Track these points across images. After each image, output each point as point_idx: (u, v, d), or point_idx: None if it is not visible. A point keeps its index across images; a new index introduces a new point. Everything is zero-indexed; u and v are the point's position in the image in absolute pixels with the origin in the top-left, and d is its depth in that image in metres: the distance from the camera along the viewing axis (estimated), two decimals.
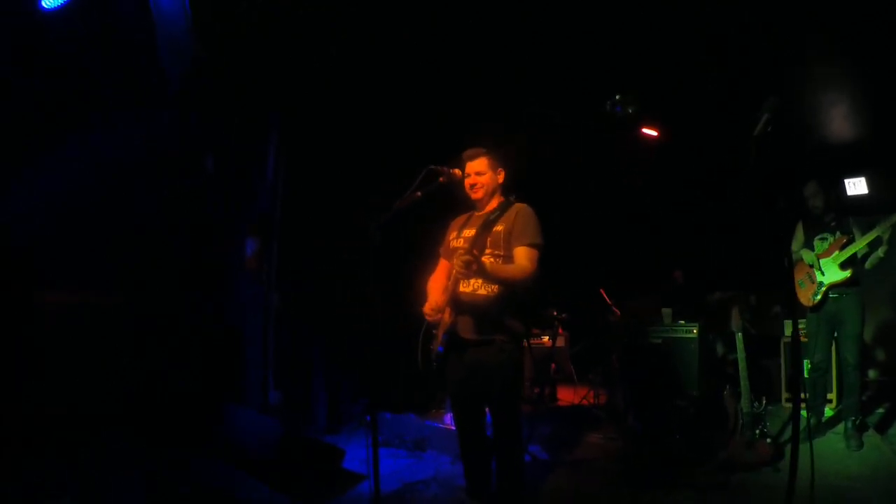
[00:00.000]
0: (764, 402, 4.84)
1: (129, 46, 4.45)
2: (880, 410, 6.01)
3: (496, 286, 3.45)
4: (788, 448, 4.85)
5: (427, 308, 3.57)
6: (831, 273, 5.15)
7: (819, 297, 5.21)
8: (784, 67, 5.98)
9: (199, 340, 5.29)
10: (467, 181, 3.66)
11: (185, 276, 5.20)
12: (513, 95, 6.46)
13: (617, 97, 6.90)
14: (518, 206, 3.65)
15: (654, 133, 7.62)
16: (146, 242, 4.89)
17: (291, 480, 4.39)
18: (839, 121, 7.33)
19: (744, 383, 4.79)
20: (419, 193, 3.27)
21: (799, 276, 5.43)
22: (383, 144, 6.42)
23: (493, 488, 3.73)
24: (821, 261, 5.22)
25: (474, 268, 3.13)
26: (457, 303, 3.50)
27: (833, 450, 5.01)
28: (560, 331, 7.28)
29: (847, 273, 5.08)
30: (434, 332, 3.58)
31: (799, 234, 5.46)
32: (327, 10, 5.11)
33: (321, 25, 5.21)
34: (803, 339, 5.77)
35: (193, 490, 4.17)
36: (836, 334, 5.29)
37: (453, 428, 4.59)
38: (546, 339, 7.41)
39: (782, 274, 5.47)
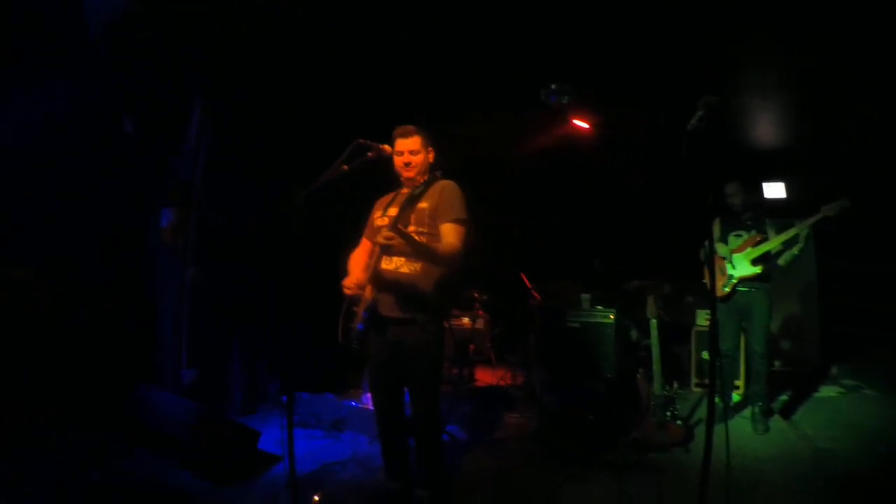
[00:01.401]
0: (675, 385, 5.02)
1: None
2: (784, 398, 6.34)
3: (419, 264, 3.42)
4: (699, 429, 5.13)
5: (347, 282, 3.50)
6: (742, 268, 5.37)
7: (728, 288, 5.43)
8: (717, 70, 6.15)
9: (114, 316, 5.07)
10: (400, 159, 3.59)
11: (99, 245, 4.95)
12: (448, 77, 6.39)
13: (553, 86, 6.92)
14: (443, 182, 3.60)
15: (585, 125, 7.71)
16: (57, 209, 4.63)
17: (205, 462, 4.28)
18: (764, 127, 7.66)
19: (656, 367, 4.96)
20: (346, 167, 3.17)
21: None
22: (316, 121, 6.26)
23: (412, 468, 3.72)
24: (733, 255, 5.43)
25: (395, 242, 3.12)
26: (379, 280, 3.44)
27: (741, 432, 5.24)
28: (480, 312, 7.32)
29: (757, 269, 5.30)
30: (355, 309, 3.51)
31: (716, 230, 5.66)
32: None
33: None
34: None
35: (105, 474, 4.02)
36: (744, 325, 5.53)
37: (371, 408, 4.56)
38: (466, 320, 7.44)
39: (697, 265, 5.74)
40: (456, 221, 3.46)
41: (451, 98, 6.57)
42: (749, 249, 5.35)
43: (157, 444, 4.55)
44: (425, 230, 3.45)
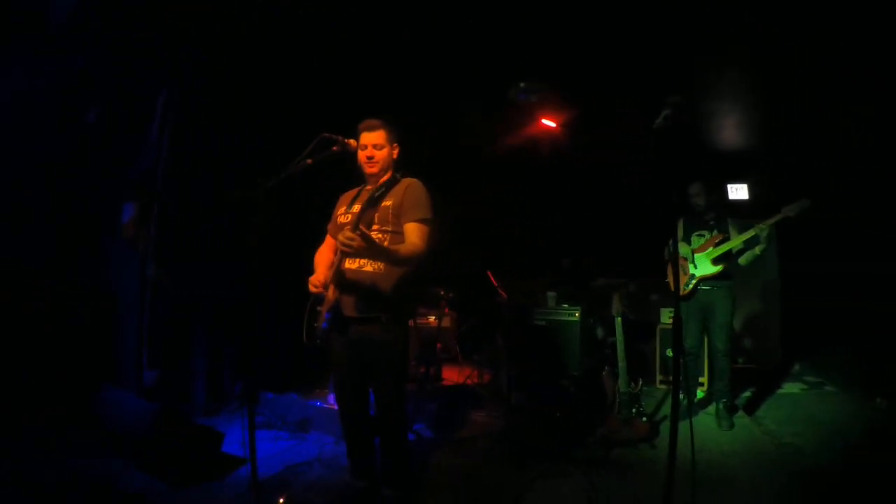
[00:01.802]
0: (640, 382, 5.04)
1: None
2: (748, 394, 6.44)
3: (382, 263, 3.35)
4: (664, 426, 5.17)
5: (312, 280, 3.42)
6: (703, 267, 5.41)
7: (690, 287, 5.47)
8: (684, 72, 6.22)
9: (76, 314, 4.93)
10: (363, 153, 3.53)
11: (57, 240, 4.80)
12: (416, 70, 6.34)
13: (521, 84, 6.92)
14: (407, 180, 3.55)
15: (552, 124, 7.72)
16: (13, 203, 4.48)
17: (167, 465, 4.18)
18: (730, 129, 7.78)
19: (621, 364, 4.99)
20: (310, 161, 3.11)
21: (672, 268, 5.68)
22: (283, 115, 6.17)
23: (378, 467, 3.67)
24: (695, 255, 5.47)
25: (356, 245, 3.00)
26: (341, 279, 3.37)
27: (706, 428, 5.30)
28: (447, 310, 7.29)
29: (718, 268, 5.33)
30: (318, 309, 3.45)
31: (679, 229, 5.69)
32: None
33: None
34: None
35: (59, 474, 3.91)
36: (706, 323, 5.55)
37: (337, 408, 4.50)
38: (433, 318, 7.40)
39: (662, 264, 5.78)
40: (420, 221, 3.40)
41: (422, 94, 6.54)
42: (710, 249, 5.38)
43: (118, 445, 4.45)
44: (389, 228, 3.40)
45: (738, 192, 8.44)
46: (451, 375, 7.22)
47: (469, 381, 6.83)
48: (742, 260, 5.32)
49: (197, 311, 5.79)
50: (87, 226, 5.12)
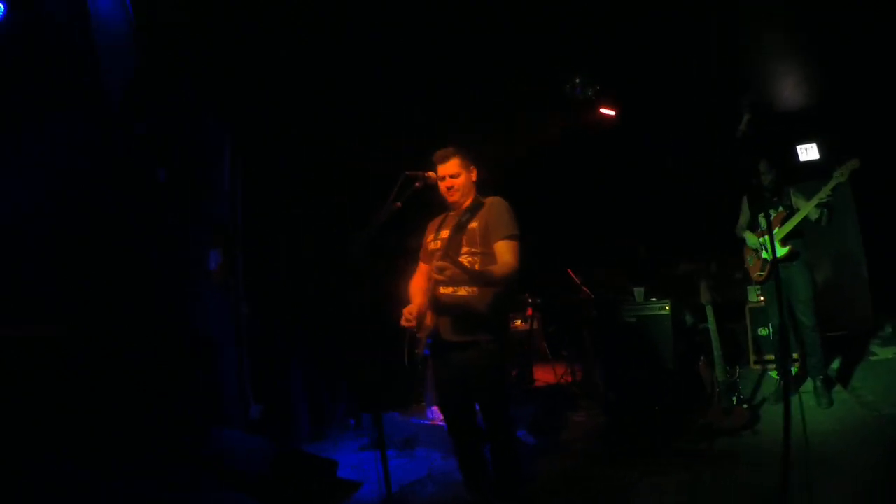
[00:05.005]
0: (738, 370, 4.97)
1: (66, 55, 4.27)
2: (841, 364, 6.22)
3: (476, 286, 3.42)
4: (764, 409, 5.09)
5: (405, 312, 3.50)
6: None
7: (764, 273, 5.39)
8: (736, 33, 6.07)
9: (169, 361, 5.17)
10: (443, 185, 3.61)
11: (144, 294, 5.04)
12: (473, 84, 6.40)
13: (577, 80, 6.93)
14: (490, 199, 3.61)
15: (611, 113, 7.68)
16: (98, 262, 4.70)
17: (288, 497, 4.36)
18: (791, 87, 7.47)
19: (717, 353, 4.93)
20: (399, 204, 3.23)
21: (747, 254, 5.65)
22: (340, 147, 6.37)
23: (490, 477, 3.73)
24: (761, 239, 5.37)
25: (448, 273, 3.11)
26: (437, 305, 3.46)
27: (804, 407, 5.14)
28: (529, 312, 7.34)
29: (787, 249, 5.18)
30: (418, 335, 3.54)
31: (745, 210, 5.59)
32: (278, 13, 5.02)
33: (273, 29, 5.12)
34: (762, 303, 6.17)
35: None
36: (790, 300, 5.38)
37: (439, 423, 4.60)
38: (518, 322, 7.47)
39: (737, 242, 5.67)
40: (508, 238, 3.45)
41: (480, 106, 6.61)
42: (776, 229, 5.22)
43: (236, 480, 4.64)
44: (478, 250, 3.47)
45: (809, 152, 8.07)
46: (543, 375, 7.28)
47: (562, 381, 6.88)
48: (823, 222, 5.10)
49: (292, 342, 6.02)
50: (173, 277, 5.33)
